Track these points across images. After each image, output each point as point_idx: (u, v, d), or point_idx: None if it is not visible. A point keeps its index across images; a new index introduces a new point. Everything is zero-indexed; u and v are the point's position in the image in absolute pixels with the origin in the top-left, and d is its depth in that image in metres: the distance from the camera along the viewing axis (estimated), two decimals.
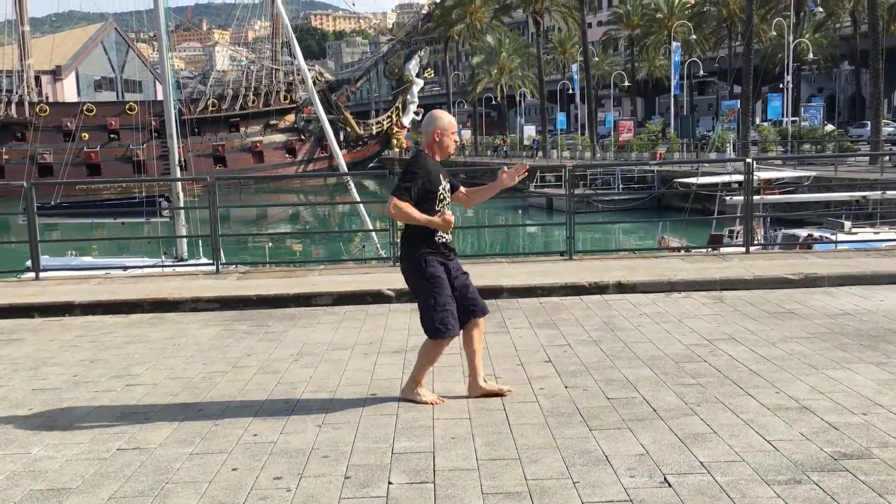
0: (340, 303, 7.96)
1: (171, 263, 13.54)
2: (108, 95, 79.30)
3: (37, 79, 65.58)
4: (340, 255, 22.16)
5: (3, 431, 4.60)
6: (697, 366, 5.42)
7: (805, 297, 7.54)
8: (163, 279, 9.65)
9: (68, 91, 75.19)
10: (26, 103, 59.88)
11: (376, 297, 7.96)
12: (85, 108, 60.21)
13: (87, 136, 57.02)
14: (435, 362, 4.90)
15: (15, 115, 59.32)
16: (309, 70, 31.52)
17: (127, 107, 58.88)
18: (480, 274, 8.37)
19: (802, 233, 17.81)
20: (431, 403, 4.76)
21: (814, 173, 23.39)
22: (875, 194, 19.07)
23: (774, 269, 8.43)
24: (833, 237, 16.03)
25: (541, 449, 4.02)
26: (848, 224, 17.27)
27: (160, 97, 43.65)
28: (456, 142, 4.81)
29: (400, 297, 7.90)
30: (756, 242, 13.78)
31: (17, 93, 60.12)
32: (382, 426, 4.45)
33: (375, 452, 4.06)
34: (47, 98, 66.59)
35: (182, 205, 15.80)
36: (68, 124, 57.12)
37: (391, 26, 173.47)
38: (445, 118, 4.74)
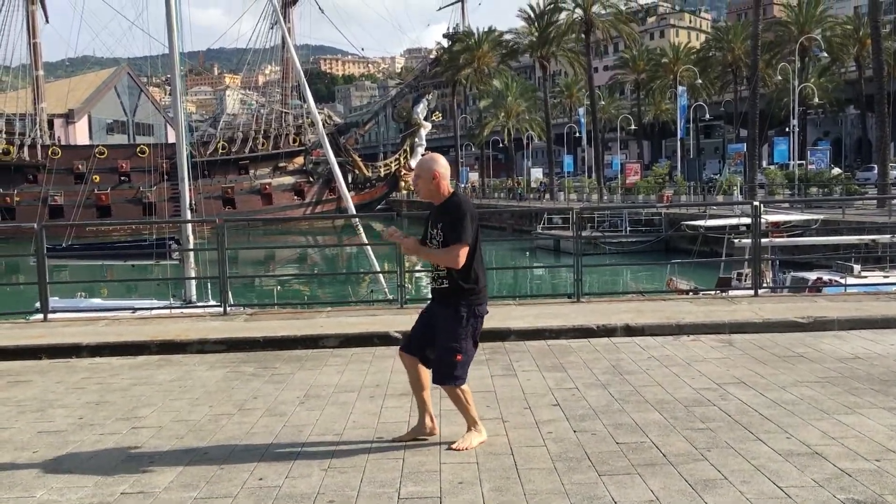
0: (347, 345, 7.94)
1: (179, 305, 13.55)
2: (119, 138, 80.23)
3: (50, 122, 66.48)
4: (348, 297, 22.12)
5: (7, 474, 4.57)
6: (707, 410, 5.37)
7: (815, 340, 7.49)
8: (170, 321, 9.65)
9: (81, 134, 76.15)
10: (39, 146, 60.64)
11: (383, 340, 7.95)
12: (97, 150, 60.91)
13: (98, 178, 57.60)
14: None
15: (27, 158, 60.04)
16: (318, 113, 31.88)
17: (138, 149, 59.56)
18: (488, 316, 8.34)
19: (811, 276, 17.74)
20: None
21: (822, 216, 23.36)
22: (884, 238, 19.03)
23: (783, 313, 8.39)
24: (842, 280, 15.98)
25: (549, 494, 3.97)
26: (857, 267, 17.21)
27: (171, 140, 44.18)
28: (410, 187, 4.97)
29: None
30: (765, 285, 13.75)
31: (29, 136, 60.91)
32: (389, 470, 4.41)
33: (381, 497, 4.01)
34: (60, 141, 67.40)
35: (192, 247, 15.87)
36: (80, 167, 57.77)
37: (400, 70, 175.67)
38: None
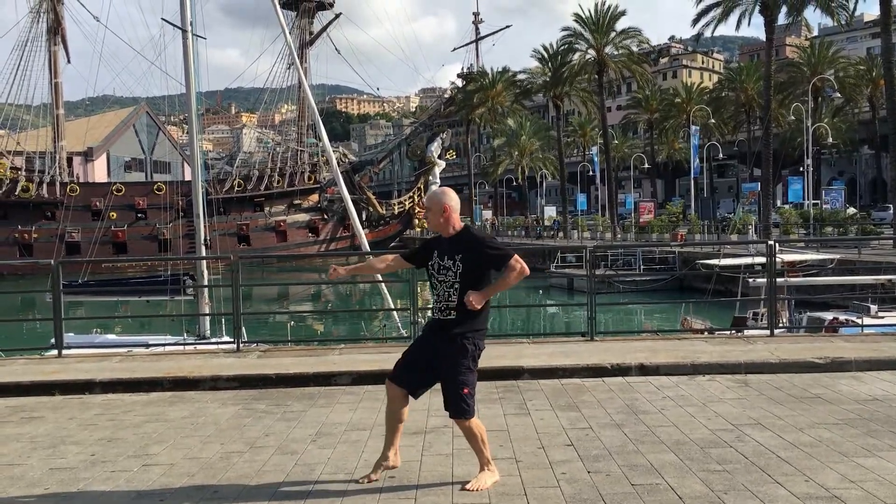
0: (360, 382, 7.91)
1: (192, 341, 13.58)
2: (137, 176, 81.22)
3: (69, 160, 67.41)
4: (361, 334, 22.07)
5: None
6: (723, 451, 5.30)
7: (832, 381, 7.40)
8: (183, 357, 9.67)
9: (99, 171, 77.15)
10: (57, 183, 61.41)
11: None
12: (114, 187, 61.61)
13: (115, 215, 58.19)
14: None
15: (46, 195, 60.78)
16: (333, 151, 32.16)
17: (155, 187, 60.26)
18: (501, 354, 8.32)
19: (828, 316, 17.55)
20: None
21: (838, 256, 23.16)
22: None
23: (800, 353, 8.30)
24: (859, 321, 15.78)
25: None
26: (874, 308, 17.02)
27: (188, 178, 44.63)
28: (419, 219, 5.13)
29: None
30: (781, 325, 13.62)
31: (49, 173, 61.73)
32: None
33: None
34: (78, 178, 68.28)
35: (206, 283, 15.94)
36: (97, 204, 58.40)
37: (414, 109, 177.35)
38: None
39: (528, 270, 4.69)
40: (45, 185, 61.07)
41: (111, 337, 16.22)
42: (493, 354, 5.12)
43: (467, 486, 4.67)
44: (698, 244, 35.68)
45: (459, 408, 4.68)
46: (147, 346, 12.03)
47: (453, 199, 4.80)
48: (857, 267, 24.68)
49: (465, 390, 4.68)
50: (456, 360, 4.69)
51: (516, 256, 4.65)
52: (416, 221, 68.37)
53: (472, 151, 78.77)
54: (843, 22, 44.84)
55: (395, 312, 15.82)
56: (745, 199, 50.72)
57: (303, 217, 65.81)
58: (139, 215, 61.36)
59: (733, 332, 14.22)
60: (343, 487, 4.79)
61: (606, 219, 58.47)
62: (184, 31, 17.27)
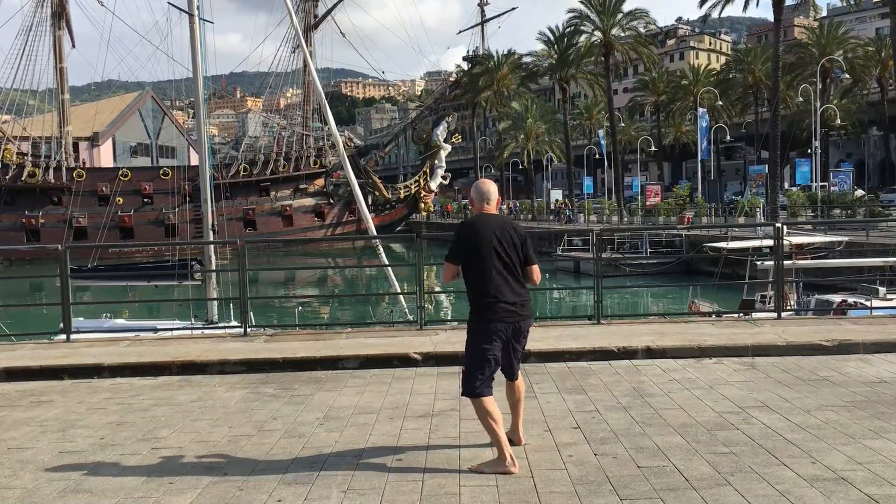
0: (367, 366, 7.94)
1: (200, 326, 13.63)
2: (143, 161, 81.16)
3: (75, 145, 67.40)
4: (368, 319, 22.12)
5: (28, 494, 4.60)
6: (730, 434, 5.30)
7: (839, 364, 7.39)
8: (191, 342, 9.71)
9: (105, 157, 77.14)
10: (64, 168, 61.45)
11: (403, 361, 7.94)
12: (120, 173, 61.65)
13: (121, 200, 58.26)
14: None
15: (52, 180, 60.85)
16: (339, 135, 32.09)
17: (161, 172, 60.22)
18: None
19: (836, 298, 17.50)
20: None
21: (846, 238, 23.06)
22: None
23: (807, 336, 8.29)
24: (868, 303, 15.73)
25: None
26: (882, 290, 16.97)
27: (194, 162, 44.69)
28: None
29: (426, 360, 7.87)
30: (788, 308, 13.60)
31: (55, 158, 61.77)
32: (408, 493, 4.38)
33: None
34: (84, 163, 68.30)
35: (214, 268, 15.96)
36: (104, 189, 58.48)
37: (420, 93, 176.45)
38: None
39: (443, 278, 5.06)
40: (51, 171, 61.10)
41: (119, 322, 16.28)
42: None
43: (472, 467, 4.72)
44: (705, 227, 35.63)
45: (461, 384, 4.92)
46: (155, 330, 12.08)
47: (475, 190, 5.15)
48: (865, 249, 24.60)
49: (463, 369, 4.94)
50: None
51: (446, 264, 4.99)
52: (422, 205, 68.31)
53: (477, 135, 78.52)
54: (851, 2, 44.46)
55: (401, 297, 15.84)
56: (752, 182, 50.47)
57: (309, 201, 65.79)
58: (146, 200, 61.43)
59: (741, 315, 14.19)
60: (351, 469, 4.82)
61: (613, 202, 58.29)
62: (191, 16, 17.20)
